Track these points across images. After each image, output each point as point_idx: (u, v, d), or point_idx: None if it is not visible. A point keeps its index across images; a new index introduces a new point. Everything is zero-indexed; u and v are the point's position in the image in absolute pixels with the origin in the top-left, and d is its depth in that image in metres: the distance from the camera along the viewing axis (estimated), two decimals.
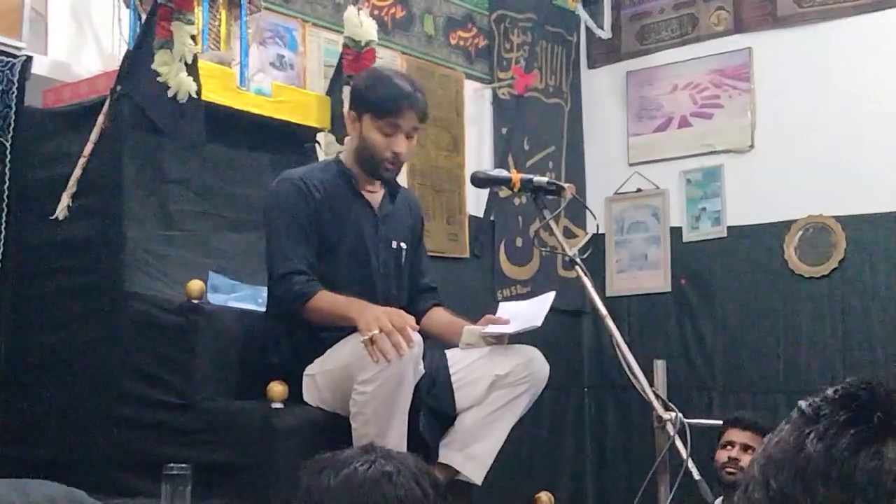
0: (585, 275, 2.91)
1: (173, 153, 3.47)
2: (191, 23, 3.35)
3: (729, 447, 4.24)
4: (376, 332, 2.81)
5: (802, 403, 1.07)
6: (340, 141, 3.74)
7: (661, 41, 5.99)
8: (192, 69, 3.36)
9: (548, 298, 3.28)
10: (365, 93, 3.23)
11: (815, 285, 5.40)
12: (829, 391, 1.06)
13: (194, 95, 3.34)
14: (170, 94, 3.32)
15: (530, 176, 3.13)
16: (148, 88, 3.36)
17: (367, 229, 3.25)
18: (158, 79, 3.34)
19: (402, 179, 4.31)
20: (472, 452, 3.14)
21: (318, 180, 3.21)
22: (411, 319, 2.91)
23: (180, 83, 3.32)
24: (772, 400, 5.39)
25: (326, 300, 3.04)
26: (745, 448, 4.18)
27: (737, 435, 4.26)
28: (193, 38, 3.38)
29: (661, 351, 5.42)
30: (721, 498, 4.19)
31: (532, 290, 5.40)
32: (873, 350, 5.21)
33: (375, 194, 3.31)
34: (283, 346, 3.18)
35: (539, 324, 3.18)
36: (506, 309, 3.39)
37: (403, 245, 3.34)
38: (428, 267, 3.52)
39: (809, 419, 1.04)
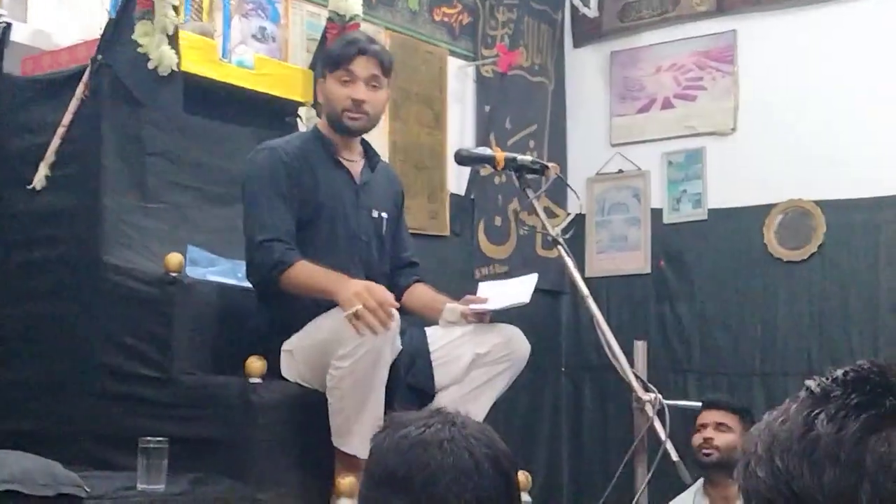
0: (568, 255, 2.90)
1: (153, 124, 3.44)
2: None
3: (703, 429, 4.28)
4: (360, 307, 2.79)
5: (811, 383, 1.07)
6: (321, 115, 3.73)
7: (641, 19, 5.96)
8: (172, 40, 3.33)
9: (531, 279, 3.27)
10: (325, 52, 3.34)
11: (795, 269, 5.41)
12: (839, 372, 1.05)
13: (175, 69, 3.32)
14: (150, 65, 3.30)
15: (514, 155, 3.11)
16: (127, 58, 3.33)
17: (348, 196, 3.25)
18: (139, 49, 3.30)
19: (384, 155, 4.30)
20: None
21: (297, 148, 3.23)
22: (391, 296, 2.90)
23: (162, 55, 3.30)
24: (748, 382, 5.41)
25: (305, 271, 3.01)
26: (718, 426, 4.24)
27: (710, 416, 4.31)
28: (175, 8, 3.35)
29: (639, 332, 5.41)
30: (702, 479, 4.22)
31: (509, 269, 5.39)
32: (850, 335, 5.22)
33: (355, 163, 3.31)
34: (261, 321, 3.17)
35: (527, 300, 3.18)
36: (485, 290, 3.38)
37: (384, 215, 3.34)
38: (409, 241, 3.52)
39: (818, 399, 1.04)
